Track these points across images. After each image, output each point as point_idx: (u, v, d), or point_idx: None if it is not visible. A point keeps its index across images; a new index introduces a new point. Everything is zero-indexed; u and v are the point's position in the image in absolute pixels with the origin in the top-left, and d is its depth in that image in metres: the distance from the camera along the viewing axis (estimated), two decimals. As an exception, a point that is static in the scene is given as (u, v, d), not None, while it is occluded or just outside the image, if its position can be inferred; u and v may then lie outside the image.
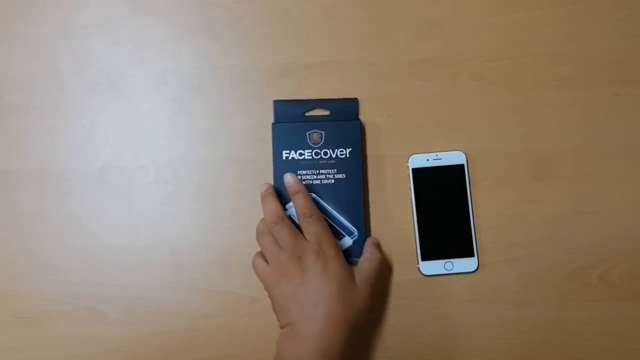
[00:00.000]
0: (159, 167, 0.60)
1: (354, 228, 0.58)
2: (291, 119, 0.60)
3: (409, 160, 0.60)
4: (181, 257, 0.59)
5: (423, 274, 0.59)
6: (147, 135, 0.61)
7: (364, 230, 0.58)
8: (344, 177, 0.58)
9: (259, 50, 0.62)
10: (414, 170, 0.59)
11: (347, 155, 0.58)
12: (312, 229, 0.53)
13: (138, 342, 0.58)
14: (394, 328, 0.58)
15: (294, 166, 0.58)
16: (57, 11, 0.62)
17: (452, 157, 0.60)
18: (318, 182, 0.58)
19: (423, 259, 0.59)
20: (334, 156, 0.58)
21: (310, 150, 0.58)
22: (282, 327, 0.52)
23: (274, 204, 0.54)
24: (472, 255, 0.59)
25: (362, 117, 0.61)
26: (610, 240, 0.59)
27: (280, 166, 0.58)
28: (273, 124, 0.59)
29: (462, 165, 0.59)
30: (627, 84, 0.62)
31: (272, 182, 0.58)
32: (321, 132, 0.59)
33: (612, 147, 0.61)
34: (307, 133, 0.58)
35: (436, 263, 0.59)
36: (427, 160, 0.59)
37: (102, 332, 0.58)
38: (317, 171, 0.58)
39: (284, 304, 0.51)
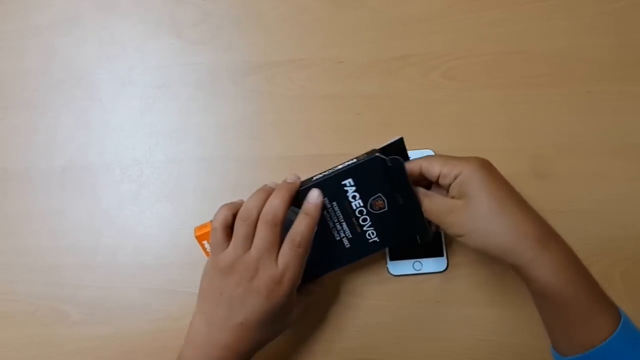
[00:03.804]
0: (124, 166, 0.60)
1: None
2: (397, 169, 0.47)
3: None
4: (145, 257, 0.58)
5: (392, 274, 0.58)
6: (112, 134, 0.60)
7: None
8: (347, 247, 0.50)
9: (226, 48, 0.61)
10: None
11: (375, 241, 0.50)
12: (289, 257, 0.47)
13: (102, 343, 0.57)
14: (361, 329, 0.58)
15: (338, 197, 0.48)
16: (23, 9, 0.61)
17: (421, 156, 0.58)
18: (331, 224, 0.49)
19: (392, 258, 0.58)
20: (365, 229, 0.49)
21: (362, 205, 0.48)
22: (197, 306, 0.50)
23: (283, 203, 0.47)
24: (442, 255, 0.58)
25: (328, 115, 0.60)
26: (583, 238, 0.58)
27: (332, 183, 0.48)
28: (394, 158, 0.47)
29: (431, 164, 0.59)
30: (600, 81, 0.61)
31: (314, 183, 0.49)
32: (389, 209, 0.48)
33: (585, 145, 0.60)
34: (378, 194, 0.48)
35: (405, 263, 0.58)
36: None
37: (65, 333, 0.57)
38: (342, 222, 0.49)
39: (214, 293, 0.49)
